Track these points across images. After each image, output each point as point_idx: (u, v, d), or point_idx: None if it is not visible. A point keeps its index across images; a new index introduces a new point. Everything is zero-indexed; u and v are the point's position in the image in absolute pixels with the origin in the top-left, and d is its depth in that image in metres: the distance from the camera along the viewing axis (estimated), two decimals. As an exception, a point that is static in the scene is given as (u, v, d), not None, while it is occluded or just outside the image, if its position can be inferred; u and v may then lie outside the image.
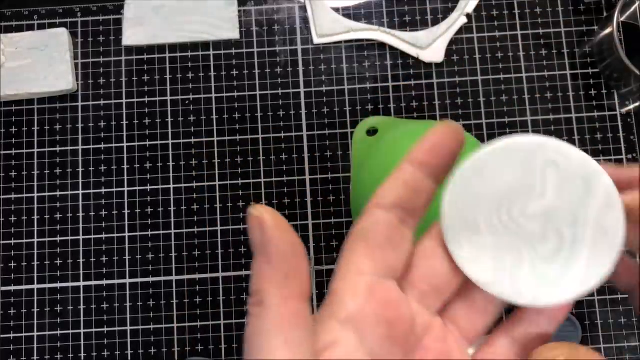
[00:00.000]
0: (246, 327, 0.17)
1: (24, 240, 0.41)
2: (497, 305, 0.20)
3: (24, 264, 0.40)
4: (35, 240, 0.41)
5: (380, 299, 0.18)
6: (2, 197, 0.41)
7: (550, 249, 0.19)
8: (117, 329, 0.40)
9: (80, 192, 0.41)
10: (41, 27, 0.43)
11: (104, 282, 0.40)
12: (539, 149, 0.19)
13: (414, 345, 0.19)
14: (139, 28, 0.42)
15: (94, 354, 0.39)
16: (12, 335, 0.40)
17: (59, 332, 0.40)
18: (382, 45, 0.42)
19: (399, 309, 0.18)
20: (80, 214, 0.41)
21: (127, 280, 0.40)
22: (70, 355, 0.39)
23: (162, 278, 0.40)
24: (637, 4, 0.41)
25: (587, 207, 0.19)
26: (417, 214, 0.19)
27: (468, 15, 0.42)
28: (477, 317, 0.20)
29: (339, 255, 0.18)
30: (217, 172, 0.41)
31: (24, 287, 0.40)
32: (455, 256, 0.19)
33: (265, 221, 0.17)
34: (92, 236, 0.41)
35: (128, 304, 0.40)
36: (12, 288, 0.40)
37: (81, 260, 0.40)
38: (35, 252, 0.41)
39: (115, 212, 0.41)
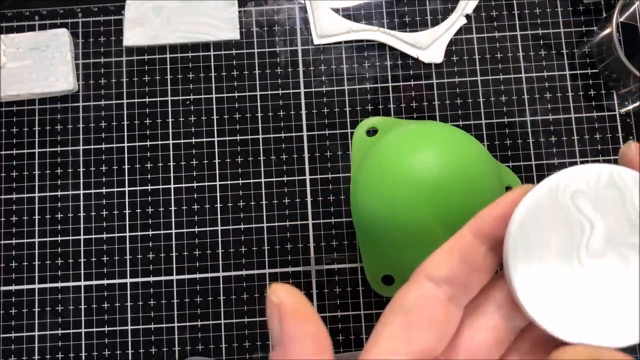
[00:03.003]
0: None
1: (25, 240, 0.41)
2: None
3: (25, 263, 0.41)
4: (36, 240, 0.41)
5: None
6: (3, 197, 0.41)
7: (612, 273, 0.17)
8: (117, 328, 0.40)
9: (81, 192, 0.41)
10: (42, 27, 0.43)
11: (105, 281, 0.40)
12: (555, 190, 0.18)
13: None
14: (140, 29, 0.42)
15: (95, 353, 0.39)
16: (13, 335, 0.40)
17: (60, 331, 0.40)
18: (382, 46, 0.42)
19: None
20: (81, 214, 0.41)
21: (128, 280, 0.40)
22: (71, 355, 0.39)
23: (163, 278, 0.40)
24: (636, 5, 0.41)
25: (631, 205, 0.17)
26: (471, 293, 0.17)
27: (468, 16, 0.42)
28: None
29: (377, 324, 0.16)
30: (217, 172, 0.41)
31: (24, 287, 0.40)
32: (517, 288, 0.17)
33: (285, 311, 0.15)
34: (93, 236, 0.41)
35: (129, 304, 0.40)
36: (13, 288, 0.40)
37: (82, 260, 0.40)
38: (36, 251, 0.41)
39: (116, 212, 0.41)
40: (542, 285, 0.17)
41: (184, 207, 0.41)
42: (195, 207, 0.41)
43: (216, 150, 0.41)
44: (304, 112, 0.42)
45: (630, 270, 0.17)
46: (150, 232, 0.41)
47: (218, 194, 0.41)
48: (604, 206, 0.17)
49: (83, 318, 0.40)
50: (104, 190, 0.41)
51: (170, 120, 0.42)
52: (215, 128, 0.42)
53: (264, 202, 0.41)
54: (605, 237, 0.17)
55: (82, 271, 0.40)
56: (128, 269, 0.40)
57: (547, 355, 0.17)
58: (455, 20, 0.42)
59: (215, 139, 0.42)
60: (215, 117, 0.42)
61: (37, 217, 0.41)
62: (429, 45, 0.42)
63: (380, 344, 0.16)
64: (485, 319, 0.17)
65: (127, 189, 0.41)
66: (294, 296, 0.15)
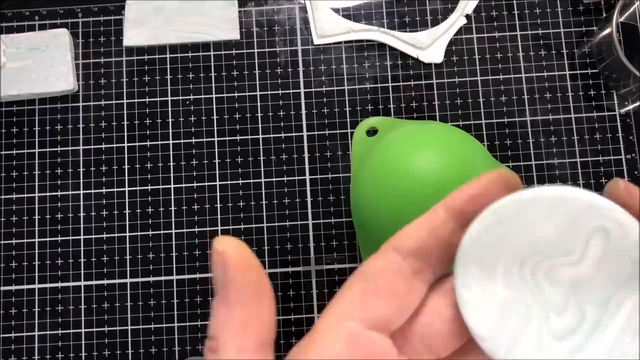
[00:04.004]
0: None
1: (25, 240, 0.41)
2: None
3: (25, 263, 0.41)
4: (36, 240, 0.41)
5: (363, 351, 0.16)
6: (3, 197, 0.41)
7: (564, 324, 0.16)
8: (117, 328, 0.40)
9: (81, 192, 0.41)
10: (42, 27, 0.43)
11: (105, 281, 0.40)
12: (590, 210, 0.16)
13: None
14: (140, 29, 0.42)
15: (95, 353, 0.39)
16: (13, 335, 0.40)
17: (59, 331, 0.40)
18: (382, 46, 0.42)
19: (384, 355, 0.16)
20: (81, 214, 0.41)
21: (128, 280, 0.40)
22: (71, 355, 0.39)
23: (163, 277, 0.40)
24: (636, 5, 0.41)
25: (627, 293, 0.16)
26: (438, 271, 0.17)
27: (468, 16, 0.42)
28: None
29: (339, 290, 0.17)
30: (217, 172, 0.41)
31: (24, 287, 0.40)
32: (460, 298, 0.17)
33: (229, 259, 0.15)
34: (93, 236, 0.41)
35: (129, 304, 0.40)
36: (13, 287, 0.40)
37: (82, 260, 0.40)
38: (36, 251, 0.41)
39: (116, 212, 0.41)
40: (484, 275, 0.17)
41: (184, 207, 0.41)
42: (195, 207, 0.41)
43: (216, 150, 0.41)
44: (304, 112, 0.42)
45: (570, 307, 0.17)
46: (150, 232, 0.41)
47: (218, 194, 0.41)
48: (609, 265, 0.16)
49: (83, 318, 0.40)
50: (103, 190, 0.41)
51: (170, 120, 0.42)
52: (215, 128, 0.42)
53: (264, 202, 0.41)
54: (576, 280, 0.17)
55: (82, 271, 0.40)
56: (128, 269, 0.40)
57: None
58: (455, 20, 0.42)
59: (215, 139, 0.42)
60: (215, 117, 0.42)
61: (37, 217, 0.41)
62: (429, 45, 0.42)
63: (335, 307, 0.16)
64: (447, 308, 0.17)
65: (127, 189, 0.41)
66: (238, 246, 0.16)
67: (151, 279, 0.40)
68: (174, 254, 0.40)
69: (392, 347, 0.16)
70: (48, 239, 0.41)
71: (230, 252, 0.15)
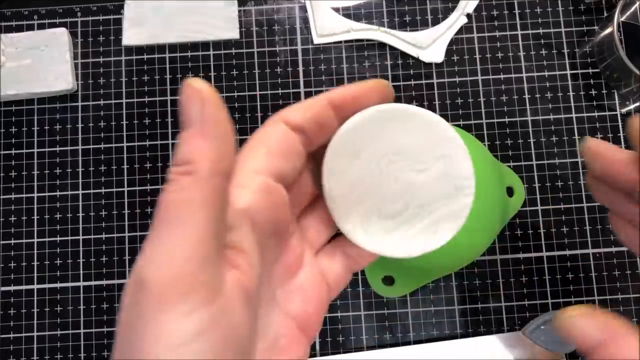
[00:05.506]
0: (163, 194, 0.17)
1: (24, 240, 0.41)
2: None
3: (24, 264, 0.40)
4: (35, 240, 0.41)
5: (273, 199, 0.19)
6: (1, 197, 0.41)
7: (392, 209, 0.22)
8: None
9: (80, 192, 0.41)
10: (41, 27, 0.43)
11: (104, 282, 0.40)
12: (445, 139, 0.21)
13: (284, 243, 0.21)
14: (139, 28, 0.42)
15: (94, 354, 0.39)
16: (11, 335, 0.40)
17: (58, 332, 0.40)
18: (382, 45, 0.42)
19: (285, 211, 0.20)
20: (80, 214, 0.41)
21: (127, 280, 0.40)
22: (70, 355, 0.39)
23: (162, 278, 0.40)
24: (637, 4, 0.41)
25: (439, 206, 0.22)
26: (315, 143, 0.21)
27: (468, 15, 0.42)
28: (322, 229, 0.23)
29: (237, 158, 0.19)
30: (217, 172, 0.41)
31: (23, 287, 0.40)
32: (325, 166, 0.22)
33: (207, 96, 0.17)
34: (92, 236, 0.41)
35: (128, 304, 0.40)
36: (12, 288, 0.40)
37: (81, 260, 0.40)
38: (35, 252, 0.41)
39: (115, 212, 0.41)
40: (340, 174, 0.22)
41: (184, 207, 0.41)
42: (195, 207, 0.41)
43: (216, 150, 0.41)
44: (303, 111, 0.42)
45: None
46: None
47: (218, 194, 0.41)
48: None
49: (82, 319, 0.40)
50: (103, 190, 0.41)
51: (169, 120, 0.42)
52: (215, 128, 0.42)
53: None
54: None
55: (81, 271, 0.40)
56: (127, 269, 0.40)
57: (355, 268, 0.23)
58: (456, 20, 0.42)
59: (215, 138, 0.41)
60: (214, 116, 0.42)
61: (35, 217, 0.41)
62: (429, 44, 0.42)
63: (245, 165, 0.19)
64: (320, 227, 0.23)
65: (126, 188, 0.41)
66: (211, 88, 0.17)
67: (150, 279, 0.40)
68: (173, 254, 0.40)
69: (287, 196, 0.20)
70: (47, 239, 0.41)
71: (208, 91, 0.17)
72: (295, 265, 0.22)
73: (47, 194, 0.41)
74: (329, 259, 0.23)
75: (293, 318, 0.21)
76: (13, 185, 0.41)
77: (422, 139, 0.21)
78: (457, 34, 0.42)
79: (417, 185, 0.22)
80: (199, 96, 0.17)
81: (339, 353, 0.39)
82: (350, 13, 0.43)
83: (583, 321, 0.21)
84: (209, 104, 0.17)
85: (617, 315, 0.21)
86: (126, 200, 0.41)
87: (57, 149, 0.42)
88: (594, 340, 0.20)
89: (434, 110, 0.42)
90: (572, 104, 0.41)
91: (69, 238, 0.41)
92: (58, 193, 0.41)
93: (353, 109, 0.21)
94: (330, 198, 0.22)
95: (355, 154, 0.22)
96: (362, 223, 0.22)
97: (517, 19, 0.43)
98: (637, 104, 0.41)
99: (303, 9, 0.43)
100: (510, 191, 0.40)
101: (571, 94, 0.42)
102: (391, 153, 0.22)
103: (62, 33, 0.42)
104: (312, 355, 0.39)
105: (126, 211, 0.41)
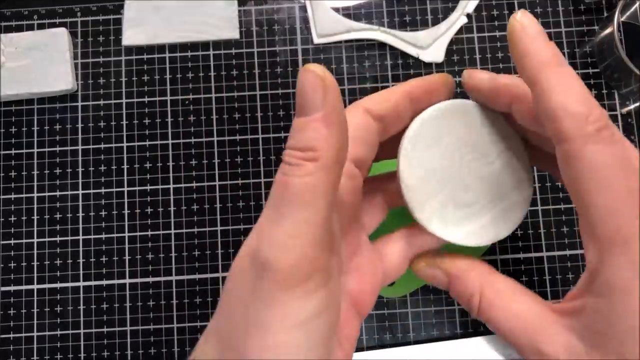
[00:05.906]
0: (285, 177, 0.17)
1: (24, 240, 0.41)
2: (388, 208, 0.25)
3: (24, 264, 0.40)
4: (35, 240, 0.41)
5: (354, 184, 0.21)
6: (1, 197, 0.41)
7: (465, 200, 0.23)
8: (116, 329, 0.39)
9: (80, 192, 0.41)
10: (41, 26, 0.43)
11: (104, 282, 0.40)
12: (508, 131, 0.23)
13: (349, 226, 0.22)
14: (139, 28, 0.42)
15: (94, 354, 0.39)
16: (11, 336, 0.40)
17: (58, 332, 0.40)
18: (382, 45, 0.42)
19: (360, 197, 0.22)
20: (80, 214, 0.41)
21: (127, 281, 0.40)
22: (70, 356, 0.39)
23: (162, 278, 0.40)
24: (637, 4, 0.41)
25: (511, 196, 0.23)
26: (389, 132, 0.23)
27: (468, 15, 0.42)
28: (375, 212, 0.24)
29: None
30: (217, 172, 0.41)
31: (23, 287, 0.40)
32: (404, 150, 0.23)
33: (330, 84, 0.17)
34: (92, 236, 0.41)
35: (128, 304, 0.40)
36: (12, 288, 0.40)
37: (81, 260, 0.40)
38: (35, 252, 0.41)
39: (115, 212, 0.41)
40: (417, 161, 0.23)
41: (184, 207, 0.41)
42: (195, 207, 0.41)
43: (216, 150, 0.41)
44: (303, 111, 0.41)
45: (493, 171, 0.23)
46: (150, 233, 0.40)
47: (218, 194, 0.41)
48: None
49: (82, 319, 0.40)
50: (102, 191, 0.41)
51: (169, 120, 0.42)
52: (215, 128, 0.42)
53: (263, 202, 0.41)
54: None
55: (81, 272, 0.40)
56: (127, 269, 0.40)
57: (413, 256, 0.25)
58: (456, 20, 0.42)
59: (215, 139, 0.41)
60: (214, 117, 0.42)
61: (35, 217, 0.41)
62: (429, 44, 0.42)
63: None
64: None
65: (126, 189, 0.41)
66: (330, 74, 0.18)
67: (150, 279, 0.40)
68: (173, 254, 0.40)
69: (362, 182, 0.22)
70: (47, 239, 0.41)
71: (330, 79, 0.18)
72: (354, 245, 0.22)
73: (47, 194, 0.41)
74: (391, 245, 0.24)
75: (349, 294, 0.22)
76: (13, 185, 0.41)
77: (487, 133, 0.23)
78: (457, 34, 0.42)
79: (485, 177, 0.23)
80: (322, 83, 0.17)
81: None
82: (350, 13, 0.43)
83: (428, 270, 0.24)
84: (332, 91, 0.17)
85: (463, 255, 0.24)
86: (126, 200, 0.41)
87: (57, 149, 0.42)
88: (443, 283, 0.24)
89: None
90: (572, 104, 0.41)
91: (69, 238, 0.41)
92: (58, 193, 0.41)
93: (427, 102, 0.22)
94: (406, 187, 0.23)
95: (431, 145, 0.23)
96: (439, 212, 0.23)
97: (517, 19, 0.42)
98: (637, 104, 0.41)
99: (303, 9, 0.43)
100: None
101: (571, 94, 0.41)
102: (463, 146, 0.23)
103: (62, 33, 0.42)
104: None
105: (126, 211, 0.41)
